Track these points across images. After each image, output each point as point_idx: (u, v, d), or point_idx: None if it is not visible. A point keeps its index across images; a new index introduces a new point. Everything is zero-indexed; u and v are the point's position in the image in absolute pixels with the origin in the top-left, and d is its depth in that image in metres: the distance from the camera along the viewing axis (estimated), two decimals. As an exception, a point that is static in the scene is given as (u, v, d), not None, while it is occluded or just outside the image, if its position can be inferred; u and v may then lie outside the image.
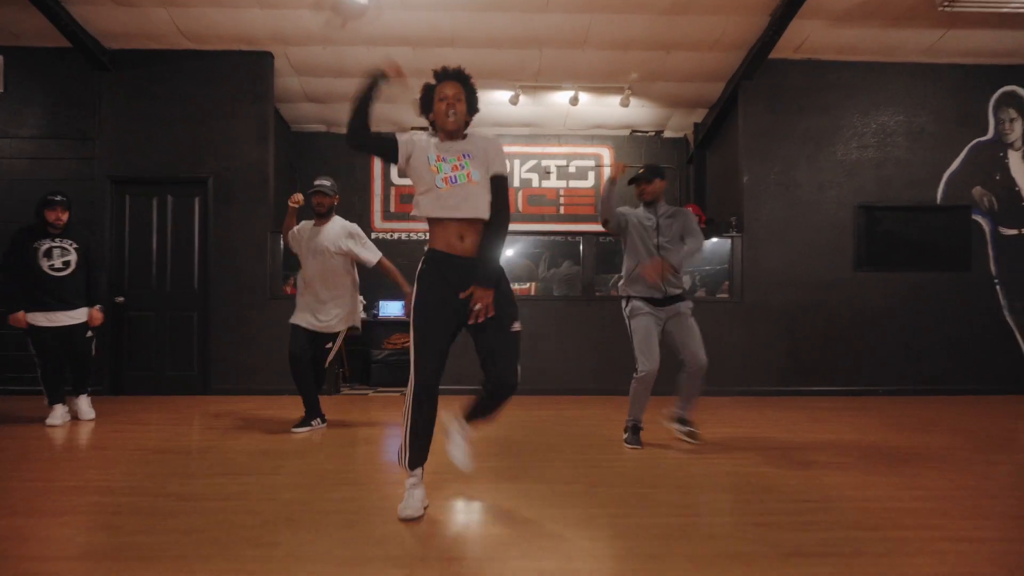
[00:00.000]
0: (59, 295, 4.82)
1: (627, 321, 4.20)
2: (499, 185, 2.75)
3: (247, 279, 6.69)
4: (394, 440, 4.38)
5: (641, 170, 4.32)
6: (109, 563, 2.23)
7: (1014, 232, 6.88)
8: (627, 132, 8.79)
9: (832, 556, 2.32)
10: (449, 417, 2.89)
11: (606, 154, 8.83)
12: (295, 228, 4.90)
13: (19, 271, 4.80)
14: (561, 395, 6.40)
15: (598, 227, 8.63)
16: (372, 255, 4.78)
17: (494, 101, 7.73)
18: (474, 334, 2.74)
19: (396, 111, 8.17)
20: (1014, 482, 3.44)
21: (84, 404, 5.04)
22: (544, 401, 5.99)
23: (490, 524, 2.74)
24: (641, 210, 4.31)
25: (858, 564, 2.26)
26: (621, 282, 4.30)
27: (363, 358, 8.09)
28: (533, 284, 7.99)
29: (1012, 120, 6.91)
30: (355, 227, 4.84)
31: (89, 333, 5.05)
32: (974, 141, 6.90)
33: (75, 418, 4.98)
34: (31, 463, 3.68)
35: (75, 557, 2.31)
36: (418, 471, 2.75)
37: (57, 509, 2.80)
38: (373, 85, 2.75)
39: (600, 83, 7.38)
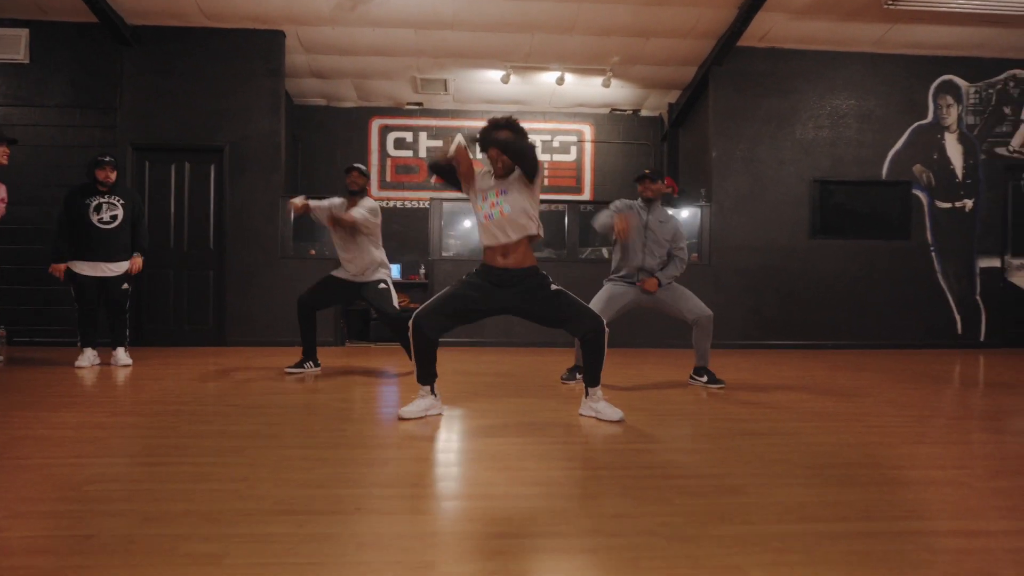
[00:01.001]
0: (107, 246, 5.34)
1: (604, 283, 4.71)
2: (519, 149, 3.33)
3: (259, 240, 7.27)
4: (390, 394, 5.06)
5: (647, 171, 4.71)
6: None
7: (948, 206, 7.76)
8: (607, 111, 9.49)
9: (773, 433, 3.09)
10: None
11: (587, 131, 9.53)
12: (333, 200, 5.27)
13: (71, 226, 5.31)
14: (539, 347, 7.13)
15: (580, 197, 9.42)
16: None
17: (484, 79, 8.36)
18: (530, 317, 3.46)
19: (393, 87, 8.77)
20: (917, 399, 4.25)
21: (121, 354, 5.46)
22: (521, 351, 6.73)
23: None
24: (637, 204, 4.66)
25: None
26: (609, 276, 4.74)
27: (362, 316, 8.74)
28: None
29: (949, 106, 7.76)
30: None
31: (125, 285, 5.54)
32: (915, 124, 7.74)
33: (115, 365, 5.41)
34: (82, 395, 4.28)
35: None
36: (426, 388, 3.43)
37: (118, 447, 3.43)
38: (445, 165, 3.36)
39: (584, 65, 8.05)
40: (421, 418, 3.35)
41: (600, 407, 3.43)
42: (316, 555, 1.66)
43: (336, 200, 5.20)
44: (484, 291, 3.38)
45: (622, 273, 4.65)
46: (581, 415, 3.49)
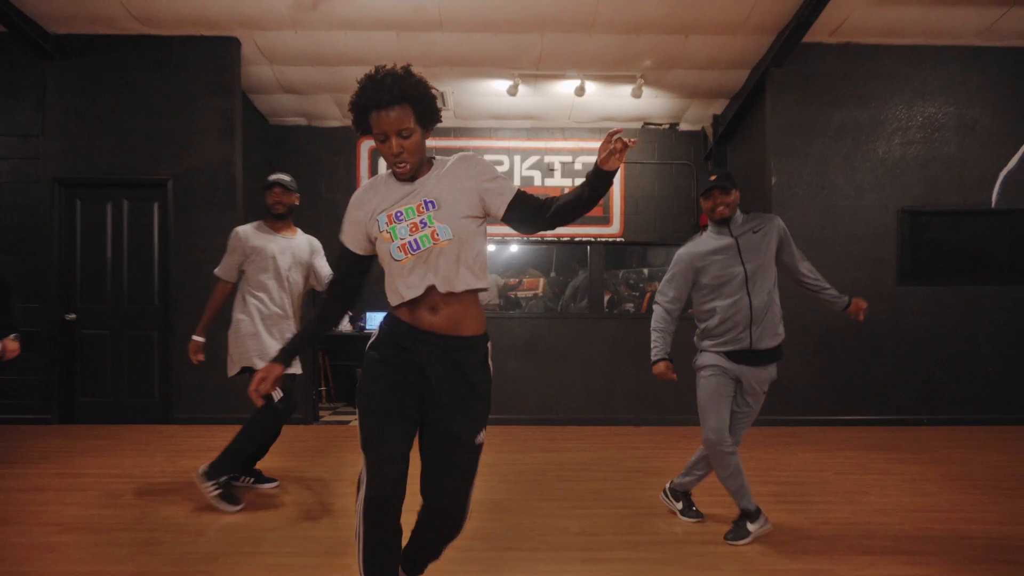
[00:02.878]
0: None
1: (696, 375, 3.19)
2: (522, 201, 1.96)
3: (212, 293, 5.93)
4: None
5: (713, 176, 3.08)
6: None
7: (1080, 240, 6.06)
8: (639, 125, 7.96)
9: None
10: None
11: (615, 149, 8.00)
12: (240, 232, 3.85)
13: None
14: (570, 425, 5.67)
15: (606, 230, 7.92)
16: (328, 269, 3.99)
17: (490, 91, 6.93)
18: (427, 426, 1.96)
19: (311, 102, 7.35)
20: None
21: None
22: (553, 433, 5.25)
23: None
24: (705, 237, 3.16)
25: None
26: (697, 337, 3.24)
27: (349, 375, 7.40)
28: (543, 280, 7.31)
29: (1080, 112, 6.06)
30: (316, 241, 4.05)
31: None
32: (1035, 136, 6.08)
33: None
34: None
35: None
36: None
37: None
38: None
39: (609, 71, 6.56)
40: None
41: None
42: None
43: (251, 229, 3.79)
44: (410, 386, 1.93)
45: (723, 340, 3.05)
46: None
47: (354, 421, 6.01)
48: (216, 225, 5.96)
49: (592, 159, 8.00)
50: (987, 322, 5.99)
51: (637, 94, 6.81)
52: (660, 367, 3.09)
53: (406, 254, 1.86)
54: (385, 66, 1.90)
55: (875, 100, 6.09)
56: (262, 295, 3.73)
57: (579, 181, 7.93)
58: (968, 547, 2.97)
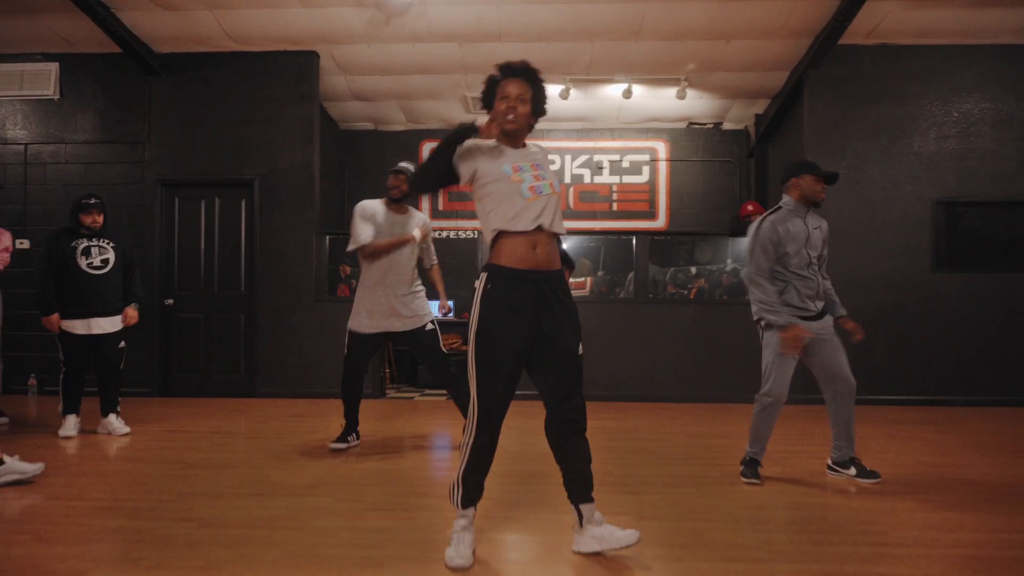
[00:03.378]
0: (98, 294, 4.68)
1: (761, 333, 3.55)
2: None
3: (293, 281, 6.62)
4: (441, 460, 4.21)
5: (811, 162, 3.54)
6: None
7: (1117, 229, 6.24)
8: (684, 125, 8.39)
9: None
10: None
11: (661, 148, 8.45)
12: (367, 204, 4.34)
13: (56, 274, 4.64)
14: (614, 401, 6.14)
15: (652, 224, 8.36)
16: (434, 256, 4.64)
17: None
18: (540, 347, 2.42)
19: (443, 107, 8.02)
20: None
21: (115, 421, 4.78)
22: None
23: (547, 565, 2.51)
24: (792, 216, 3.51)
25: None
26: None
27: (411, 358, 7.98)
28: (589, 280, 7.75)
29: (1115, 105, 6.25)
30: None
31: (122, 344, 4.89)
32: (1070, 129, 6.28)
33: (105, 433, 4.75)
34: (68, 476, 3.64)
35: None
36: (470, 511, 2.46)
37: (80, 536, 2.70)
38: (463, 136, 2.41)
39: (655, 75, 7.02)
40: (471, 565, 2.38)
41: (605, 533, 2.44)
42: None
43: (374, 204, 4.30)
44: (520, 323, 2.37)
45: (795, 305, 3.46)
46: (579, 552, 2.49)
47: (417, 396, 6.52)
48: (296, 220, 6.65)
49: (639, 158, 8.46)
50: (1019, 308, 6.21)
51: (682, 96, 7.25)
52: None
53: (534, 194, 2.38)
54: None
55: (911, 98, 6.39)
56: (377, 264, 4.20)
57: (627, 179, 8.43)
58: (971, 492, 3.36)
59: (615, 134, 8.47)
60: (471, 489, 2.44)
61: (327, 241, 6.85)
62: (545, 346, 2.40)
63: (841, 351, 3.56)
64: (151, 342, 6.60)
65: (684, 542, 2.64)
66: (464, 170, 2.42)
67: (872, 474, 3.52)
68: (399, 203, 4.33)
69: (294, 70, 6.67)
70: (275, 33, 6.31)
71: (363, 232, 4.17)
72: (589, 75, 7.04)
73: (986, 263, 6.31)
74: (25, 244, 6.61)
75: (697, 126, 8.40)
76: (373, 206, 4.29)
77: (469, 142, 2.44)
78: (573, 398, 2.40)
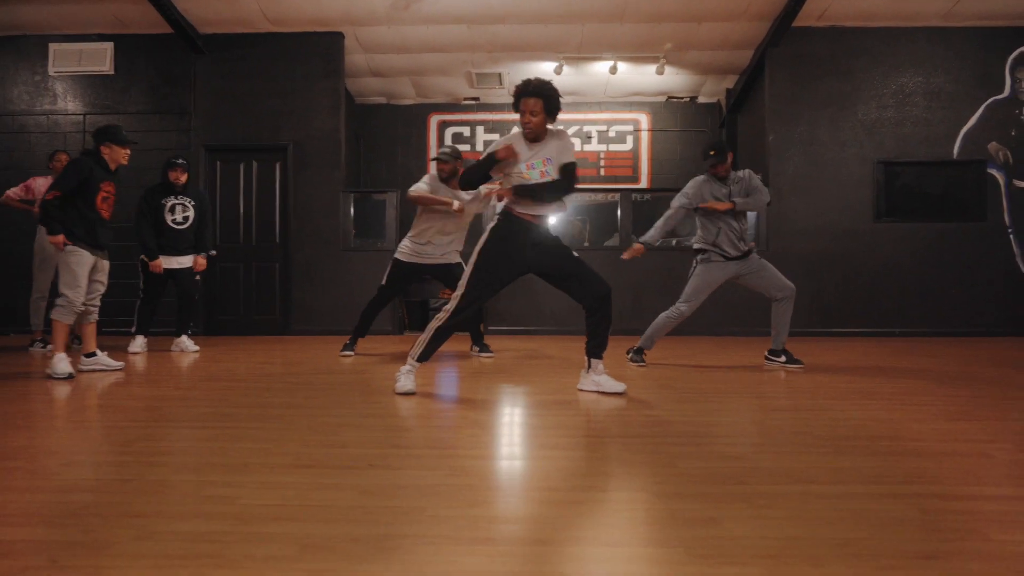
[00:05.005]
0: (177, 244, 5.73)
1: (694, 267, 4.64)
2: (569, 170, 3.41)
3: (322, 234, 7.60)
4: (447, 380, 5.22)
5: (712, 152, 4.52)
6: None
7: (1027, 184, 7.35)
8: (663, 99, 9.42)
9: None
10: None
11: (644, 119, 9.48)
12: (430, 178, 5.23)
13: (150, 224, 5.69)
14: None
15: (637, 186, 9.38)
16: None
17: (540, 72, 8.44)
18: (548, 275, 3.48)
19: (450, 83, 8.97)
20: (971, 381, 4.07)
21: (187, 341, 5.81)
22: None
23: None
24: (707, 181, 4.58)
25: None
26: (699, 244, 4.64)
27: (422, 306, 8.98)
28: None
29: (1027, 79, 7.34)
30: None
31: (197, 277, 5.95)
32: (990, 99, 7.36)
33: (180, 351, 5.74)
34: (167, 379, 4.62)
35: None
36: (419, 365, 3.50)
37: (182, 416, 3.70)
38: (492, 164, 3.39)
39: (637, 53, 8.03)
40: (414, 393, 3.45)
41: (603, 380, 3.50)
42: (323, 500, 1.81)
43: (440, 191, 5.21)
44: (515, 255, 3.41)
45: (721, 245, 4.56)
46: (581, 390, 3.56)
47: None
48: (325, 180, 7.63)
49: (623, 128, 9.48)
50: (949, 252, 7.31)
51: (661, 72, 8.26)
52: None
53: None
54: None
55: (856, 73, 7.44)
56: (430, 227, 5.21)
57: (613, 147, 9.44)
58: (878, 373, 4.43)
59: (602, 107, 9.48)
60: (431, 352, 3.47)
61: (352, 199, 7.83)
62: (550, 268, 3.45)
63: (771, 270, 4.62)
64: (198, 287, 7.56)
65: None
66: (495, 172, 3.48)
67: (797, 361, 4.59)
68: (449, 182, 5.18)
69: (323, 49, 7.62)
70: (309, 15, 7.25)
71: (418, 186, 5.16)
72: (580, 53, 8.04)
73: (919, 214, 7.39)
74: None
75: (675, 100, 9.43)
76: (435, 182, 5.19)
77: (503, 139, 3.44)
78: (596, 283, 3.42)
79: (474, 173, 3.45)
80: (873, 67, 7.43)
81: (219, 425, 2.76)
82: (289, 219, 7.67)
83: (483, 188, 5.10)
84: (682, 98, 9.40)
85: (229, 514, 1.69)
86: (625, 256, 4.77)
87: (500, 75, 8.59)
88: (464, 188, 3.54)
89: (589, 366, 3.55)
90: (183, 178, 5.78)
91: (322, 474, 2.04)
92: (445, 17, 7.20)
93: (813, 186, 7.41)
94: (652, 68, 8.34)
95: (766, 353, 4.75)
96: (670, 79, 8.72)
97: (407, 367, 3.50)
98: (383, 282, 5.36)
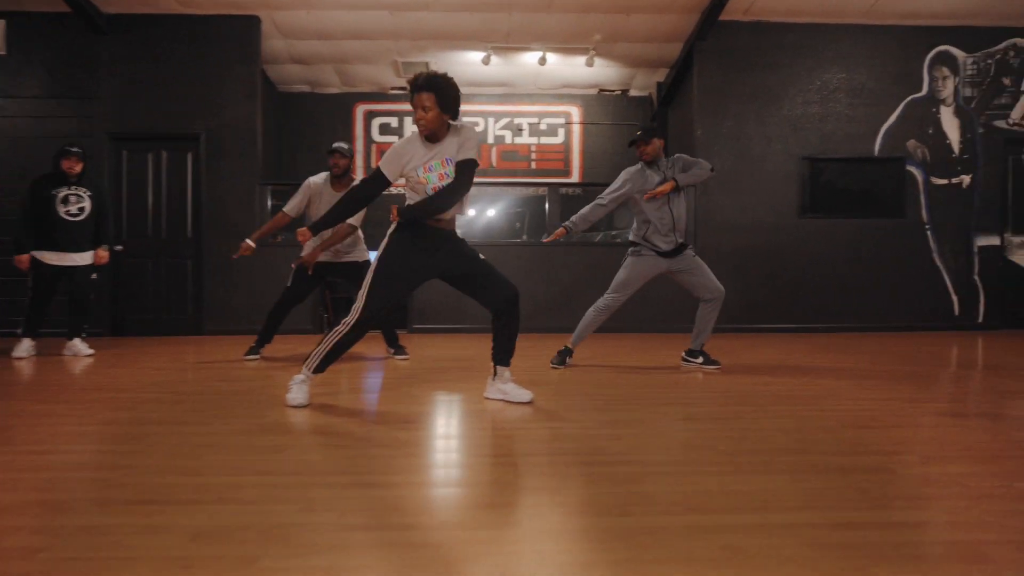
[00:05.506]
0: (73, 238, 5.30)
1: (625, 259, 4.53)
2: (463, 168, 3.12)
3: (236, 228, 7.21)
4: (371, 380, 4.97)
5: (639, 132, 4.47)
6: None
7: (944, 182, 7.49)
8: (595, 91, 9.30)
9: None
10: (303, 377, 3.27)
11: (575, 112, 9.35)
12: (311, 180, 5.05)
13: (36, 218, 5.23)
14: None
15: (567, 180, 9.26)
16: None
17: (467, 62, 8.21)
18: (454, 279, 3.26)
19: (376, 72, 8.67)
20: (891, 380, 4.06)
21: (80, 344, 5.38)
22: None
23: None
24: (642, 171, 4.45)
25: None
26: (632, 237, 4.53)
27: (348, 304, 8.67)
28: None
29: (945, 78, 7.47)
30: None
31: (93, 275, 5.52)
32: (909, 97, 7.47)
33: (71, 355, 5.32)
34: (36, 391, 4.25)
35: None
36: (314, 377, 3.29)
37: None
38: (337, 216, 3.22)
39: (566, 44, 7.87)
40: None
41: (509, 388, 3.33)
42: (138, 550, 1.57)
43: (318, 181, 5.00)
44: (415, 261, 3.18)
45: (652, 240, 4.44)
46: (488, 398, 3.39)
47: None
48: (240, 171, 7.25)
49: (555, 121, 9.33)
50: (870, 248, 7.41)
51: (590, 64, 8.13)
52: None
53: (434, 191, 3.11)
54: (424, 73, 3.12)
55: (781, 68, 7.45)
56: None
57: (544, 140, 9.28)
58: (798, 373, 4.38)
59: (533, 99, 9.31)
60: (328, 365, 3.22)
61: (268, 191, 7.45)
62: (456, 272, 3.23)
63: (704, 270, 4.51)
64: (102, 285, 7.10)
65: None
66: (394, 174, 3.14)
67: (715, 362, 4.50)
68: (341, 179, 4.99)
69: (238, 33, 7.22)
70: (220, -3, 6.85)
71: (289, 201, 4.97)
72: (508, 43, 7.83)
73: (842, 210, 7.46)
74: (-23, 193, 6.99)
75: (607, 92, 9.32)
76: (320, 184, 4.96)
77: (397, 145, 3.15)
78: (504, 286, 3.22)
79: (334, 216, 3.21)
80: (798, 62, 7.45)
81: (65, 449, 2.47)
82: (202, 212, 7.26)
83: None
84: (613, 91, 9.30)
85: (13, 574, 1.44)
86: (546, 239, 4.65)
87: (427, 64, 8.32)
88: (351, 209, 3.22)
89: (495, 373, 3.37)
90: (77, 167, 5.35)
91: (155, 512, 1.80)
92: (366, 2, 6.89)
93: (740, 181, 7.40)
94: (582, 60, 8.20)
95: (683, 353, 4.66)
96: (601, 71, 8.60)
97: (301, 377, 3.25)
98: (287, 283, 5.08)
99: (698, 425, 2.89)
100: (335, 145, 5.05)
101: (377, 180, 3.15)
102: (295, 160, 9.21)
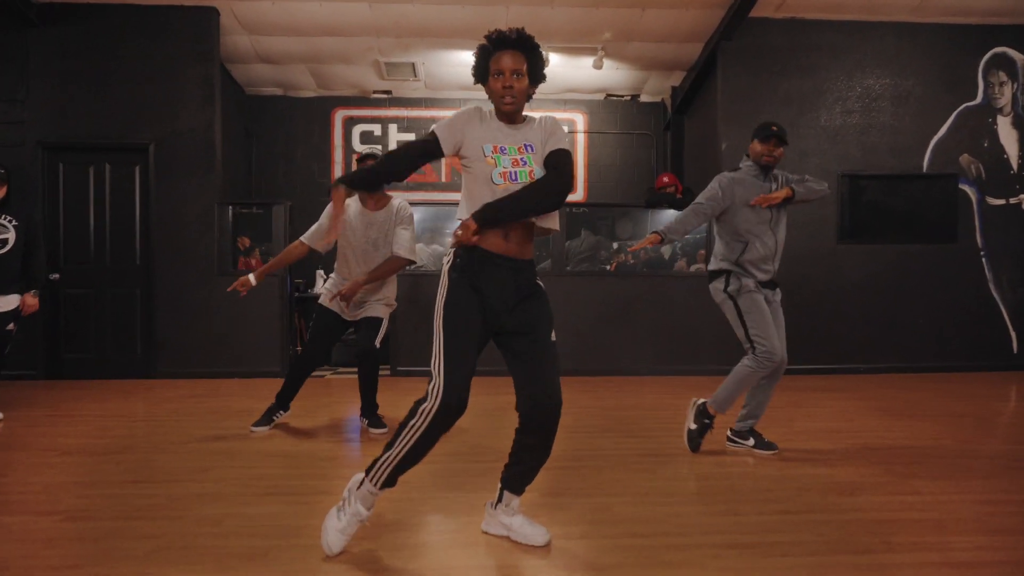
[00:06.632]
0: None
1: (732, 300, 3.47)
2: (560, 158, 2.18)
3: (193, 253, 6.24)
4: (347, 443, 4.01)
5: (775, 127, 3.42)
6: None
7: (1001, 202, 6.60)
8: (602, 96, 8.36)
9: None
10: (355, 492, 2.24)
11: (580, 120, 8.41)
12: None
13: None
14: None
15: (571, 196, 8.30)
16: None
17: (459, 63, 7.25)
18: (505, 344, 2.24)
19: (356, 73, 7.71)
20: (1020, 483, 3.12)
21: None
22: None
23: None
24: (749, 176, 3.49)
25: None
26: (720, 264, 3.54)
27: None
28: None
29: (1002, 84, 6.59)
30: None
31: (11, 326, 4.47)
32: (962, 106, 6.58)
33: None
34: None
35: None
36: (376, 497, 2.24)
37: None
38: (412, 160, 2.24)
39: (571, 43, 6.93)
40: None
41: (516, 524, 2.32)
42: None
43: (350, 212, 3.89)
44: (481, 306, 2.16)
45: (747, 267, 3.45)
46: (486, 532, 2.39)
47: (329, 375, 6.22)
48: (197, 188, 6.26)
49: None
50: (917, 277, 6.51)
51: (599, 65, 7.19)
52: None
53: (505, 180, 2.12)
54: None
55: (818, 71, 6.54)
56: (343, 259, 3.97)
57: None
58: (870, 455, 3.45)
59: (534, 105, 8.31)
60: (400, 474, 2.19)
61: (230, 211, 6.45)
62: (517, 344, 2.20)
63: (782, 323, 3.53)
64: (35, 320, 6.08)
65: (591, 518, 2.56)
66: (448, 141, 2.17)
67: (770, 446, 3.51)
68: (372, 194, 3.88)
69: (192, 26, 6.23)
70: (168, -15, 5.86)
71: (311, 228, 3.91)
72: (506, 42, 6.87)
73: (886, 234, 6.56)
74: None
75: (615, 98, 8.38)
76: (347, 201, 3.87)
77: (457, 112, 2.20)
78: (551, 393, 2.18)
79: (405, 150, 2.24)
80: (837, 66, 6.54)
81: None
82: (152, 235, 6.26)
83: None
84: (622, 96, 8.35)
85: None
86: (633, 248, 3.65)
87: (414, 65, 7.34)
88: (387, 174, 2.23)
89: (500, 499, 2.36)
90: (2, 192, 4.36)
91: None
92: (341, -8, 5.93)
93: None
94: (589, 61, 7.25)
95: (729, 433, 3.68)
96: (609, 74, 7.66)
97: (361, 493, 2.20)
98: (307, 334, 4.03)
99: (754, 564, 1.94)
100: (367, 151, 4.06)
101: (428, 144, 2.19)
102: (266, 172, 8.20)
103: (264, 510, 2.61)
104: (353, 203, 3.88)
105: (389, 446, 2.15)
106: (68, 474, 3.11)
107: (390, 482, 2.19)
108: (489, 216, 2.08)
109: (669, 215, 6.46)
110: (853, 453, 3.49)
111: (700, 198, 3.55)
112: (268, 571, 2.06)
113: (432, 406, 2.05)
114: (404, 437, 2.11)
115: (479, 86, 2.27)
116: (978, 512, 2.58)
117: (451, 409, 2.05)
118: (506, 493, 2.34)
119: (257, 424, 3.96)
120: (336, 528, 2.17)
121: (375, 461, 2.18)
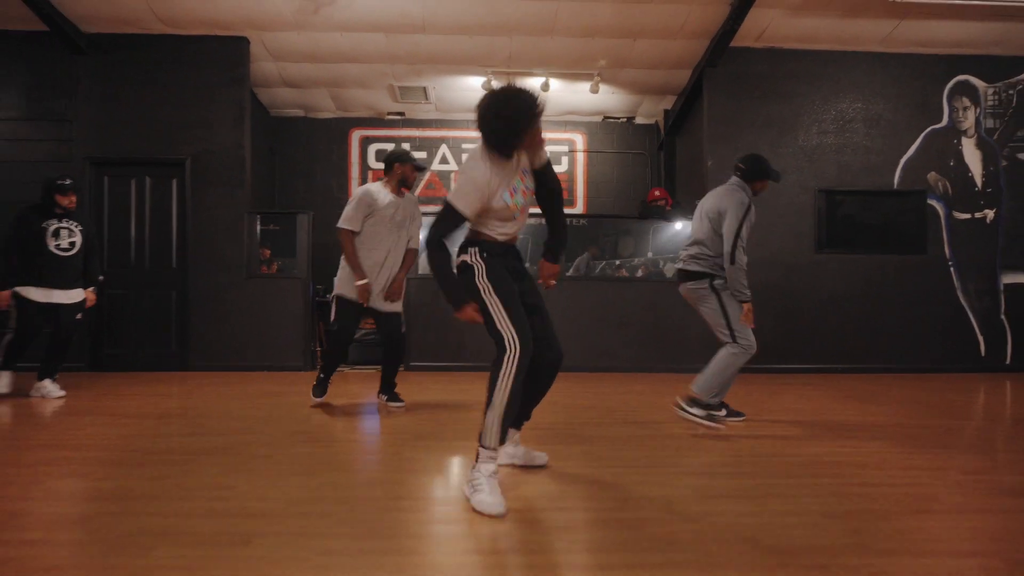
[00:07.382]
0: (62, 274, 4.91)
1: (717, 295, 4.04)
2: (549, 170, 2.80)
3: (224, 258, 6.84)
4: (367, 430, 4.55)
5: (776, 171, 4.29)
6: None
7: (967, 216, 7.14)
8: (599, 118, 8.98)
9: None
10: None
11: (579, 140, 9.03)
12: (370, 191, 4.45)
13: (23, 250, 4.83)
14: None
15: (571, 210, 8.90)
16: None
17: (467, 87, 7.89)
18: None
19: (371, 96, 8.35)
20: (931, 440, 3.65)
21: (50, 386, 4.93)
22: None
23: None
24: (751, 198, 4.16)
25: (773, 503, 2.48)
26: (708, 265, 4.11)
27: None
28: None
29: (965, 108, 7.16)
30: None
31: (79, 315, 5.06)
32: (929, 128, 7.15)
33: (39, 396, 4.89)
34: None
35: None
36: (501, 450, 2.65)
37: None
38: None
39: (570, 69, 7.56)
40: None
41: (519, 452, 2.95)
42: None
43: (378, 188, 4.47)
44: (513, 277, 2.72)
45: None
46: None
47: (347, 370, 6.74)
48: (228, 200, 6.88)
49: (557, 149, 9.00)
50: (890, 285, 7.03)
51: (595, 90, 7.81)
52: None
53: (522, 213, 2.72)
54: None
55: (796, 96, 7.13)
56: (378, 247, 4.46)
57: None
58: (838, 428, 3.98)
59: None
60: (508, 425, 2.61)
61: (258, 221, 7.07)
62: (527, 302, 2.73)
63: None
64: (89, 314, 6.67)
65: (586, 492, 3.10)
66: (471, 208, 2.56)
67: (738, 414, 4.10)
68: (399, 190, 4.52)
69: (225, 55, 6.89)
70: (205, 17, 6.52)
71: (351, 217, 4.37)
72: (509, 68, 7.52)
73: (860, 245, 7.10)
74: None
75: (612, 120, 9.01)
76: (376, 192, 4.43)
77: (472, 175, 2.57)
78: (554, 344, 2.79)
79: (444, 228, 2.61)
80: (813, 91, 7.13)
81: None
82: (187, 242, 6.88)
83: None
84: (619, 118, 8.99)
85: None
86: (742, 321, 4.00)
87: (425, 89, 8.00)
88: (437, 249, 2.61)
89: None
90: (75, 201, 5.02)
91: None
92: (360, 24, 6.58)
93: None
94: (586, 86, 7.89)
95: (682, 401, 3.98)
96: (606, 98, 8.29)
97: (486, 467, 2.48)
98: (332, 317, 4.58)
99: (723, 507, 2.47)
100: (419, 162, 4.57)
101: (454, 221, 2.58)
102: (288, 187, 8.86)
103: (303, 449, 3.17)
104: (380, 190, 4.45)
105: (488, 407, 2.52)
106: (134, 429, 3.69)
107: (503, 437, 2.57)
108: (557, 251, 2.90)
109: (662, 226, 7.07)
110: (819, 426, 4.02)
111: (741, 232, 4.00)
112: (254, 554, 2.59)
113: (514, 352, 2.50)
114: (499, 390, 2.50)
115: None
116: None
117: (528, 349, 2.53)
118: (510, 429, 2.90)
119: (317, 395, 4.59)
120: (487, 499, 2.37)
121: (482, 431, 2.54)
